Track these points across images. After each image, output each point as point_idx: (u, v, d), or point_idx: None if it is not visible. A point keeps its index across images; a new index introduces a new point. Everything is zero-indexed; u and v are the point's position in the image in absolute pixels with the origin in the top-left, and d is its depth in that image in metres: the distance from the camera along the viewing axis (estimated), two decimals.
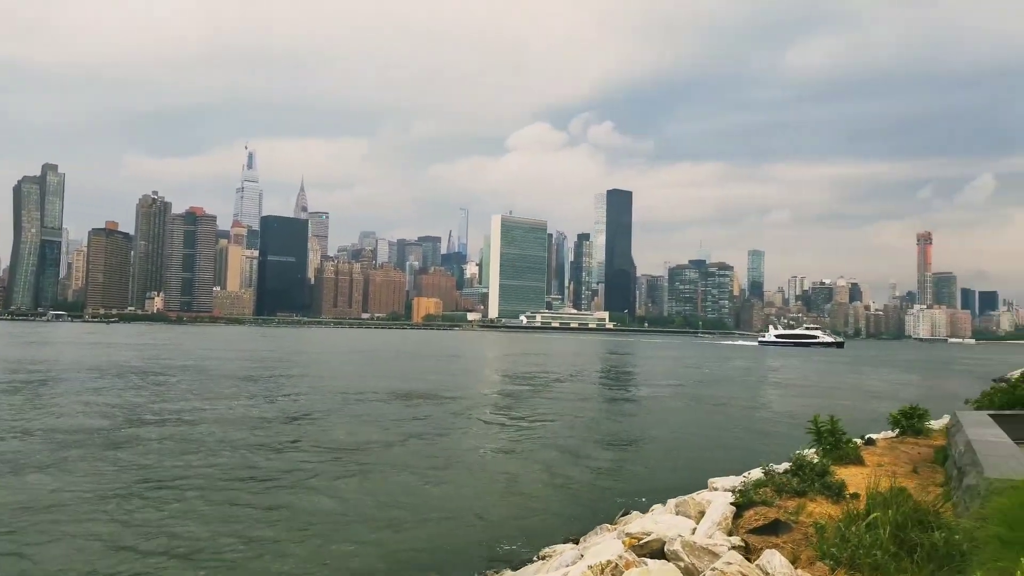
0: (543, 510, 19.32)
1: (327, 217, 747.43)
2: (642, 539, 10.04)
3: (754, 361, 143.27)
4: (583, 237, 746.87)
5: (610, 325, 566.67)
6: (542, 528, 17.15)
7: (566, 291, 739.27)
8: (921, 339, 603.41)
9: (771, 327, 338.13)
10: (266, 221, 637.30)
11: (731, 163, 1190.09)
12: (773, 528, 9.85)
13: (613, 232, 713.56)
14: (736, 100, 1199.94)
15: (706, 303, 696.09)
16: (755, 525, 10.14)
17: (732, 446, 30.99)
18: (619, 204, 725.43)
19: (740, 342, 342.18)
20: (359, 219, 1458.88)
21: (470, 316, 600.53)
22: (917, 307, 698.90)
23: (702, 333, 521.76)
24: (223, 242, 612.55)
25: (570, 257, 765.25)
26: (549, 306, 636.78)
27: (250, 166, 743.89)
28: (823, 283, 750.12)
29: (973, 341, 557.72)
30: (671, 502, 13.15)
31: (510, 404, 48.95)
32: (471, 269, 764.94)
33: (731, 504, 11.08)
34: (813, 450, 15.98)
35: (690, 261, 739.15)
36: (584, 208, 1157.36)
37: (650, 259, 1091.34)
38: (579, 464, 26.32)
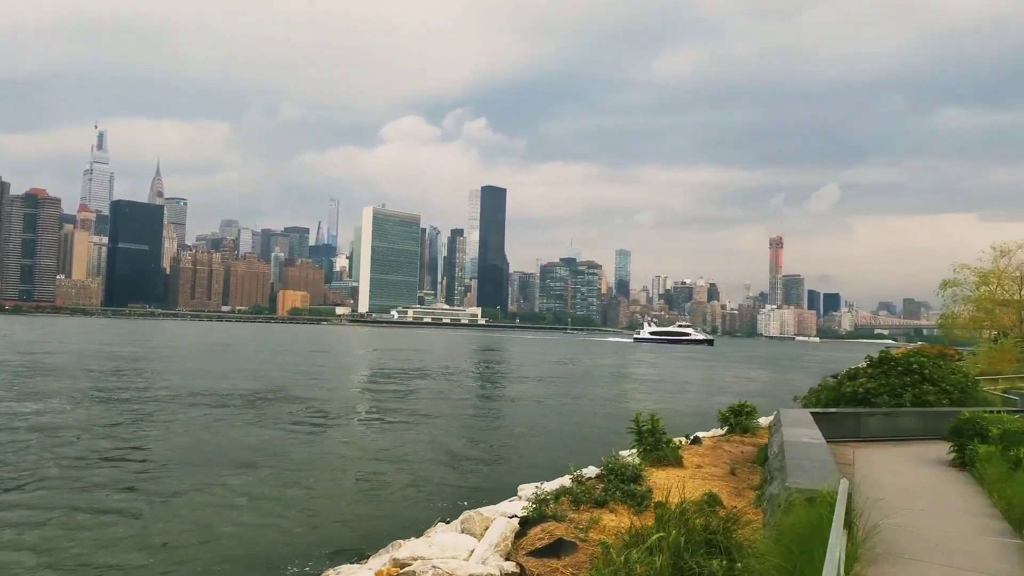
0: (348, 520, 17.31)
1: (185, 204, 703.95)
2: (406, 566, 8.34)
3: (622, 357, 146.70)
4: (457, 232, 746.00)
5: (482, 321, 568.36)
6: (339, 541, 15.17)
7: (439, 286, 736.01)
8: (771, 337, 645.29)
9: (646, 324, 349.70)
10: (117, 206, 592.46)
11: (601, 164, 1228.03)
12: (556, 549, 8.44)
13: (487, 228, 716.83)
14: (606, 103, 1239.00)
15: (576, 300, 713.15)
16: (537, 545, 8.71)
17: (570, 446, 30.05)
18: (493, 201, 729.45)
19: (615, 339, 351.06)
20: (220, 207, 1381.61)
21: (339, 310, 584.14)
22: (769, 307, 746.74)
23: (571, 329, 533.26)
24: (68, 227, 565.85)
25: (443, 252, 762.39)
26: (421, 301, 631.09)
27: (100, 146, 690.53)
28: (684, 283, 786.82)
29: (817, 339, 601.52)
30: (462, 517, 11.55)
31: (371, 402, 46.51)
32: (341, 262, 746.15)
33: (519, 519, 9.58)
34: (634, 450, 14.93)
35: (561, 259, 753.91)
36: (458, 203, 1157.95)
37: (523, 256, 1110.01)
38: (410, 468, 24.46)
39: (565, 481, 12.47)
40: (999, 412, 18.29)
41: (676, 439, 17.05)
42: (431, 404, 46.26)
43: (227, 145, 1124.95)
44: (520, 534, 9.19)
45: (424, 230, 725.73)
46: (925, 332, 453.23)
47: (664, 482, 12.24)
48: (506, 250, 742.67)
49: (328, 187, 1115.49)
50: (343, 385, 59.73)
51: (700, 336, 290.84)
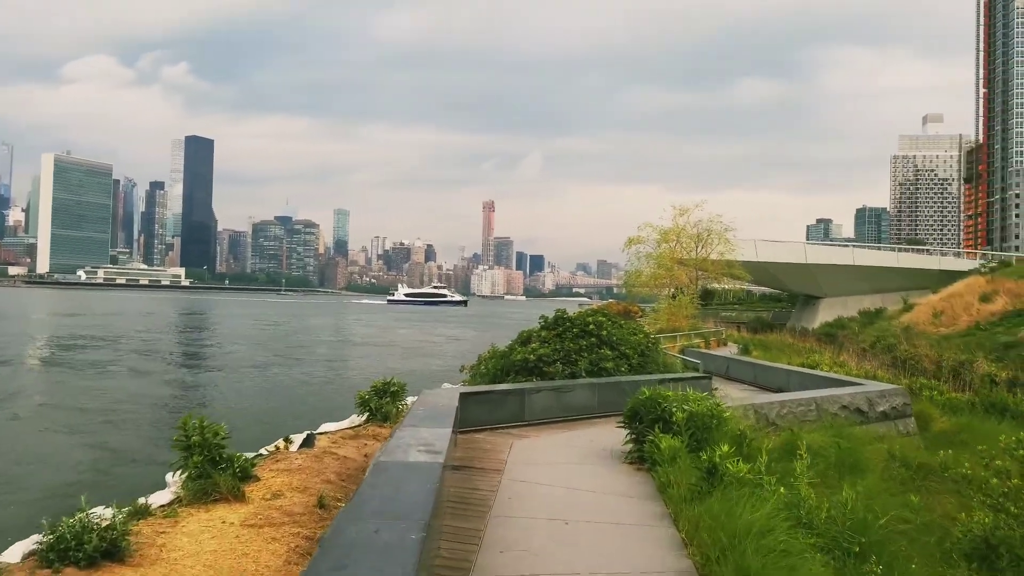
0: None
1: None
2: None
3: (342, 318, 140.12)
4: (156, 186, 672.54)
5: (187, 282, 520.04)
6: None
7: (136, 244, 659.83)
8: (483, 296, 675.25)
9: (400, 286, 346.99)
10: None
11: (321, 120, 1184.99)
12: None
13: (192, 182, 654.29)
14: (327, 57, 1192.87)
15: (291, 260, 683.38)
16: None
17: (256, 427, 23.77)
18: (199, 152, 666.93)
19: (367, 300, 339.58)
20: None
21: (12, 270, 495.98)
22: (481, 268, 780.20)
23: (285, 291, 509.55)
24: None
25: (141, 207, 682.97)
26: (115, 261, 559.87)
27: None
28: (402, 244, 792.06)
29: (524, 298, 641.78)
30: None
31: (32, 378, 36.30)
32: (15, 215, 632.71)
33: None
34: (177, 477, 9.32)
35: (276, 217, 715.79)
36: (158, 154, 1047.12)
37: (234, 213, 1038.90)
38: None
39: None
40: (682, 380, 15.67)
41: (279, 443, 11.79)
42: (104, 383, 37.06)
43: None
44: None
45: (118, 182, 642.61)
46: (615, 290, 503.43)
47: (177, 548, 6.89)
48: (215, 206, 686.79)
49: None
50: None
51: (457, 297, 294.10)
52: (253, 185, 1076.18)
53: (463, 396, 12.37)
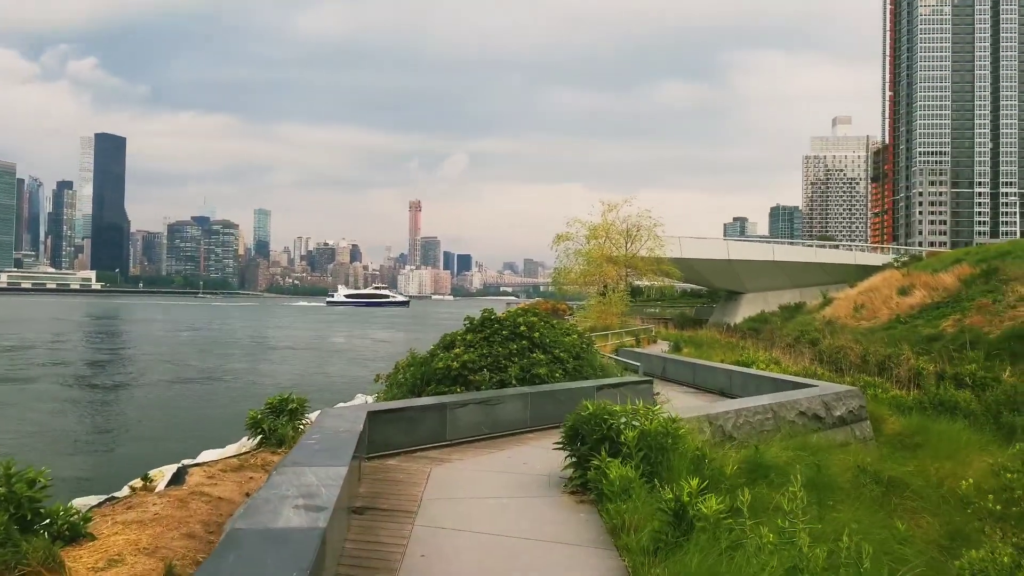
0: None
1: None
2: None
3: (266, 321, 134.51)
4: (64, 185, 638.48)
5: (98, 286, 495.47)
6: None
7: (42, 247, 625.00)
8: (411, 296, 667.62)
9: (340, 287, 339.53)
10: None
11: (240, 118, 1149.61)
12: None
13: (102, 182, 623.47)
14: (246, 53, 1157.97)
15: (210, 262, 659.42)
16: None
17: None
18: (110, 151, 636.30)
19: (303, 303, 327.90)
20: None
21: None
22: (408, 268, 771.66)
23: (204, 293, 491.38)
24: None
25: (47, 208, 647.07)
26: (19, 264, 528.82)
27: None
28: (326, 244, 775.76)
29: (452, 298, 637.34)
30: None
31: None
32: None
33: None
34: None
35: (193, 218, 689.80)
36: (66, 153, 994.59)
37: (148, 214, 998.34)
38: None
39: None
40: (622, 386, 14.04)
41: (135, 482, 9.52)
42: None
43: None
44: None
45: (23, 181, 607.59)
46: (542, 288, 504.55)
47: None
48: (127, 207, 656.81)
49: None
50: None
51: (399, 298, 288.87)
52: (169, 185, 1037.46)
53: (372, 415, 10.38)
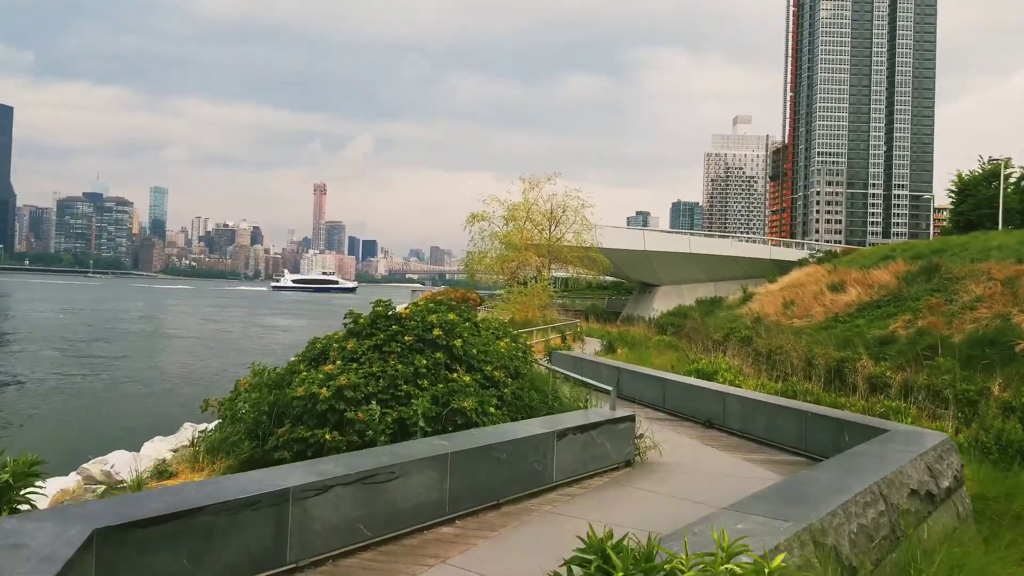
0: None
1: None
2: None
3: (171, 305, 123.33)
4: None
5: None
6: None
7: None
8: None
9: (286, 272, 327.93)
10: None
11: (136, 91, 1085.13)
12: None
13: None
14: (143, 25, 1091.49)
15: (101, 241, 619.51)
16: None
17: None
18: None
19: (245, 287, 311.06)
20: None
21: None
22: (312, 252, 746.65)
23: (94, 273, 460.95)
24: None
25: None
26: None
27: None
28: (226, 225, 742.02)
29: (357, 283, 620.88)
30: None
31: None
32: None
33: None
34: None
35: (85, 194, 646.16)
36: None
37: (36, 188, 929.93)
38: None
39: None
40: (593, 428, 8.67)
41: None
42: None
43: None
44: None
45: None
46: (448, 277, 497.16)
47: None
48: (12, 179, 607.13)
49: None
50: None
51: (349, 284, 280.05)
52: (59, 159, 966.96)
53: (107, 535, 4.64)
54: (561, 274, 56.39)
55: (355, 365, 9.11)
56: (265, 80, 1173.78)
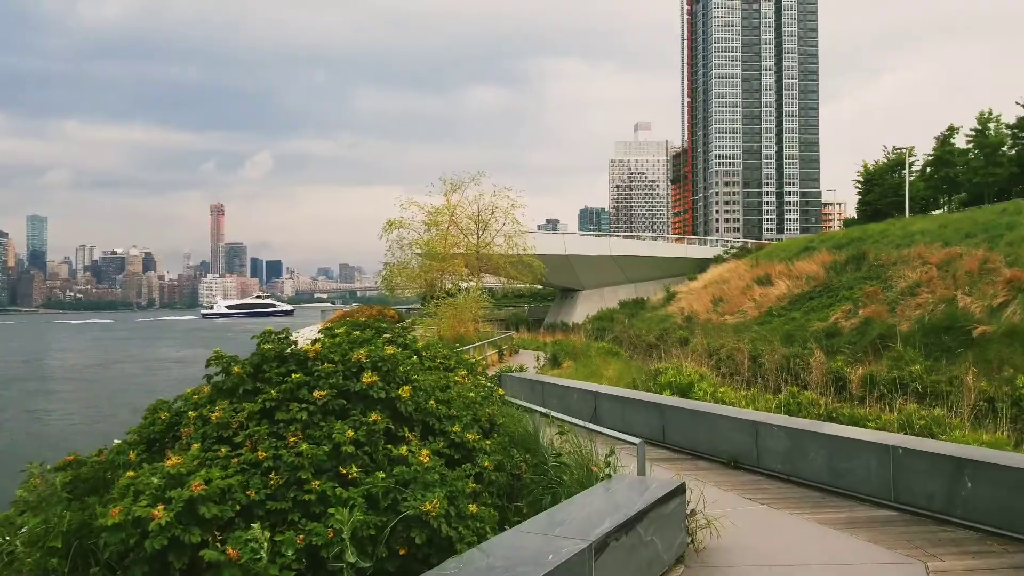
0: None
1: None
2: None
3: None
4: None
5: None
6: None
7: None
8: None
9: (219, 298, 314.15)
10: None
11: (9, 114, 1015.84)
12: None
13: None
14: (17, 42, 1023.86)
15: None
16: None
17: None
18: None
19: (172, 316, 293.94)
20: None
21: None
22: (211, 276, 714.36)
23: None
24: None
25: None
26: None
27: None
28: (115, 252, 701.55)
29: (294, 307, 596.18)
30: None
31: None
32: None
33: None
34: None
35: None
36: None
37: None
38: None
39: None
40: (645, 520, 4.92)
41: None
42: None
43: None
44: None
45: None
46: (359, 294, 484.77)
47: None
48: None
49: None
50: None
51: (285, 307, 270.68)
52: None
53: None
54: (489, 283, 52.57)
55: (225, 449, 5.10)
56: (155, 98, 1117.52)
